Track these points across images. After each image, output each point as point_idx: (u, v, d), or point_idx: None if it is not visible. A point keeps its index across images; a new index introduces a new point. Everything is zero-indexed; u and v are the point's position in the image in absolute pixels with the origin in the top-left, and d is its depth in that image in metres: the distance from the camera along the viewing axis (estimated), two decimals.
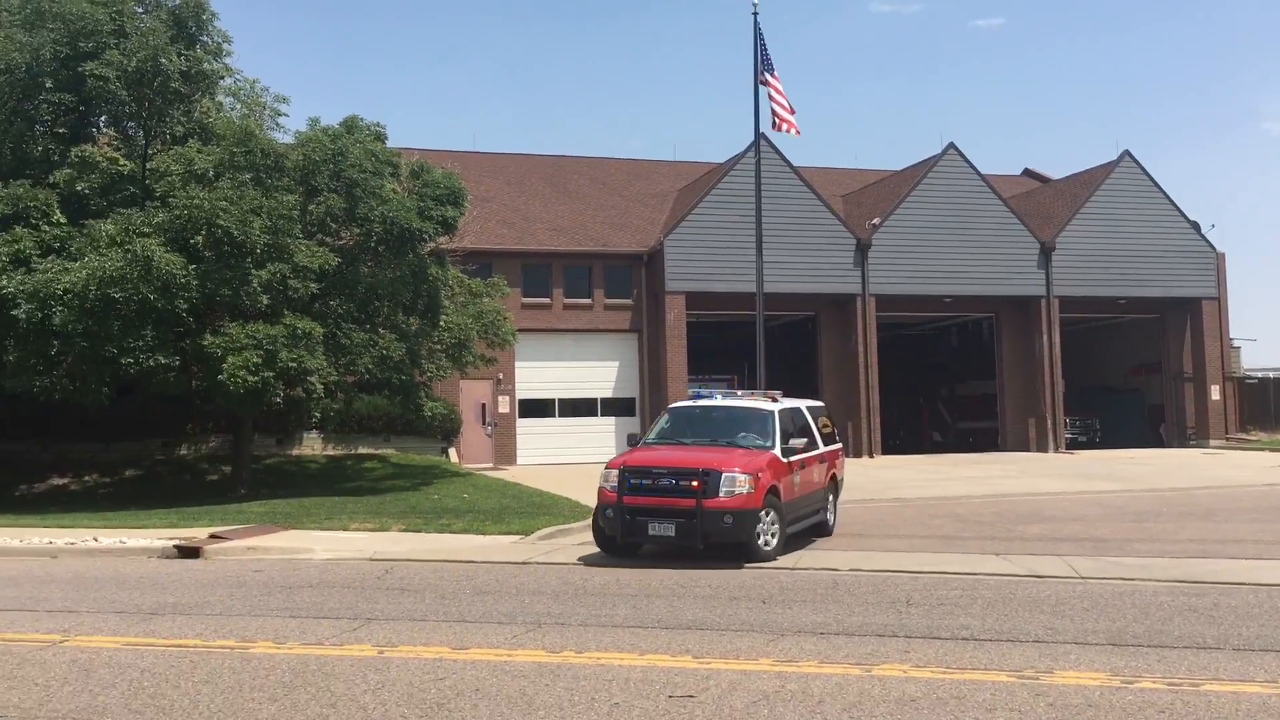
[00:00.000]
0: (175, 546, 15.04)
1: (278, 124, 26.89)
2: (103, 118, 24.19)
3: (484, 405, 34.37)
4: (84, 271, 19.60)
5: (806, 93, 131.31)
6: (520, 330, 30.03)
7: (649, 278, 36.71)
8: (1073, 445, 39.85)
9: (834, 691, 7.20)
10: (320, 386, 21.98)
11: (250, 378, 19.97)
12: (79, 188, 22.47)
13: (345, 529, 17.08)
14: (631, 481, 13.60)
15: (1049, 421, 38.69)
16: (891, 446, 39.77)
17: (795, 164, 37.20)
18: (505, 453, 34.15)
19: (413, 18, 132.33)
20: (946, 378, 48.35)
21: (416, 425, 29.17)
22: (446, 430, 31.11)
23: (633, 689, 7.31)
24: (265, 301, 21.09)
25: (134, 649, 8.56)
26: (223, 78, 25.24)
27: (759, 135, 26.33)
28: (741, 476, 13.48)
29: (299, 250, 21.50)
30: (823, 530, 16.14)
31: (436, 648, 8.59)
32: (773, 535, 13.85)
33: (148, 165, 23.22)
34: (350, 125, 24.19)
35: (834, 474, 16.94)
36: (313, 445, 30.48)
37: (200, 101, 24.47)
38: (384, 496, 22.31)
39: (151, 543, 15.31)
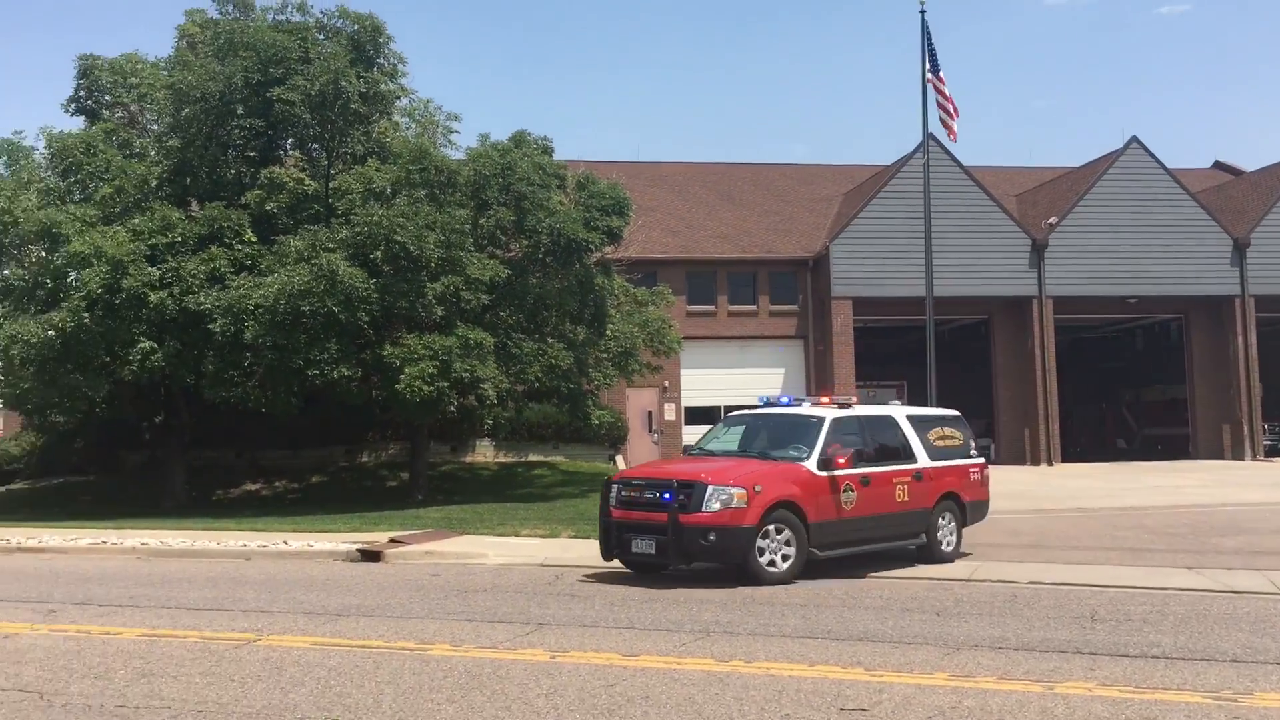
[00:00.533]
0: (358, 550, 15.65)
1: (450, 141, 27.81)
2: (289, 140, 25.43)
3: (650, 413, 34.64)
4: (274, 287, 20.64)
5: (977, 91, 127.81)
6: (685, 338, 30.15)
7: (815, 283, 36.34)
8: (1271, 453, 37.46)
9: (1014, 709, 6.94)
10: (492, 395, 22.55)
11: (426, 387, 20.65)
12: (268, 207, 23.68)
13: (516, 535, 17.45)
14: (621, 494, 13.06)
15: (1245, 427, 36.50)
16: (1072, 454, 38.24)
17: (966, 164, 36.22)
18: None
19: (578, 33, 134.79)
20: (1131, 382, 46.23)
21: (584, 433, 29.58)
22: (613, 438, 31.46)
23: (803, 700, 7.21)
24: (440, 313, 21.78)
25: (321, 649, 8.93)
26: (399, 98, 26.22)
27: (927, 135, 25.80)
28: (733, 490, 12.45)
29: (471, 263, 22.12)
30: (931, 556, 14.34)
31: (607, 654, 8.67)
32: (784, 557, 12.64)
33: (330, 184, 24.32)
34: (518, 140, 24.78)
35: (952, 491, 14.84)
36: (485, 452, 31.28)
37: (378, 122, 25.49)
38: (554, 503, 22.70)
39: (336, 546, 15.98)
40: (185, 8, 26.78)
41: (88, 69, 25.54)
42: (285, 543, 16.43)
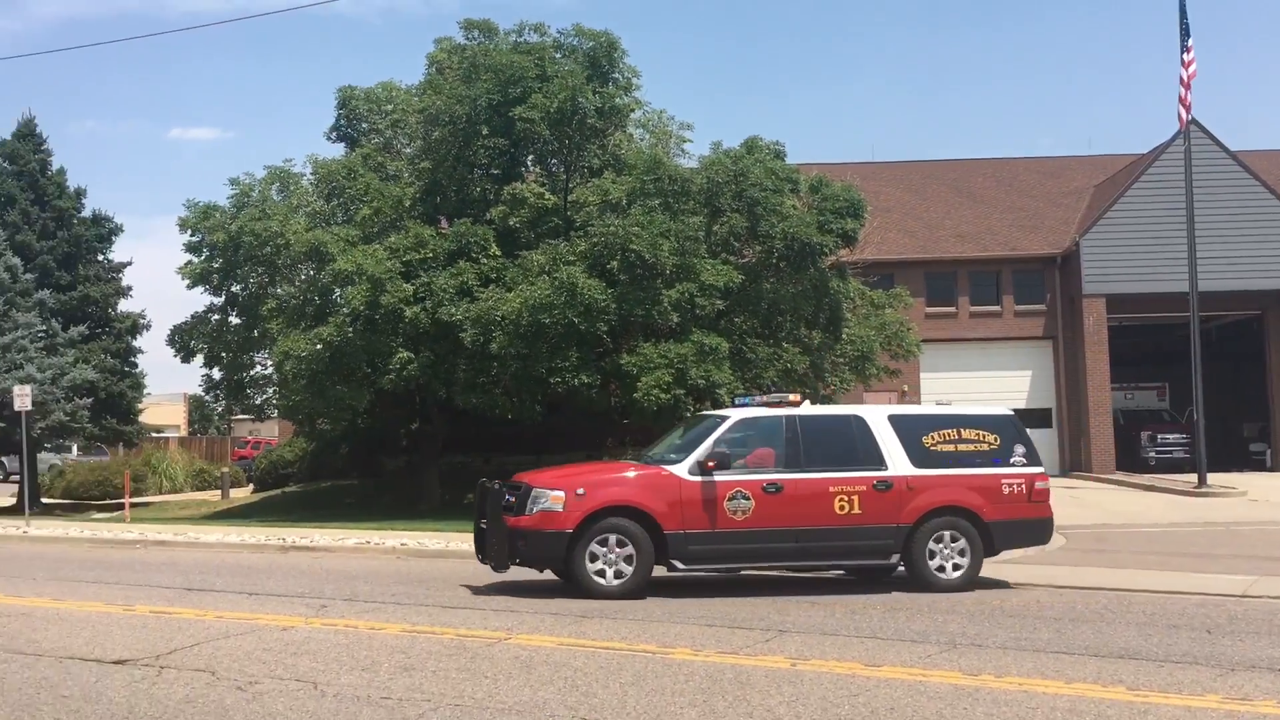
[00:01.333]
0: None
1: (683, 150, 28.12)
2: (530, 157, 26.38)
3: None
4: (518, 300, 21.45)
5: (1239, 72, 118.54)
6: (925, 340, 29.32)
7: (1063, 281, 34.66)
8: None
9: None
10: (728, 400, 22.61)
11: (663, 395, 20.95)
12: (511, 222, 24.64)
13: None
14: (507, 498, 12.43)
15: None
16: None
17: (1231, 148, 33.66)
18: None
19: (809, 37, 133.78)
20: None
21: None
22: None
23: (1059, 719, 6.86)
24: (675, 319, 22.05)
25: (567, 649, 9.18)
26: (633, 110, 26.73)
27: (1189, 120, 24.09)
28: (550, 494, 11.90)
29: (705, 269, 22.30)
30: (920, 582, 12.50)
31: (849, 663, 8.53)
32: (613, 567, 11.78)
33: (569, 198, 25.07)
34: (750, 146, 24.80)
35: (957, 505, 12.64)
36: None
37: (613, 134, 26.09)
38: None
39: None
40: (434, 36, 28.32)
41: (346, 99, 27.33)
42: None
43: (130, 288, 34.93)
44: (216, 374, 27.17)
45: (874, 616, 10.78)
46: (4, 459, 45.26)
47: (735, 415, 13.01)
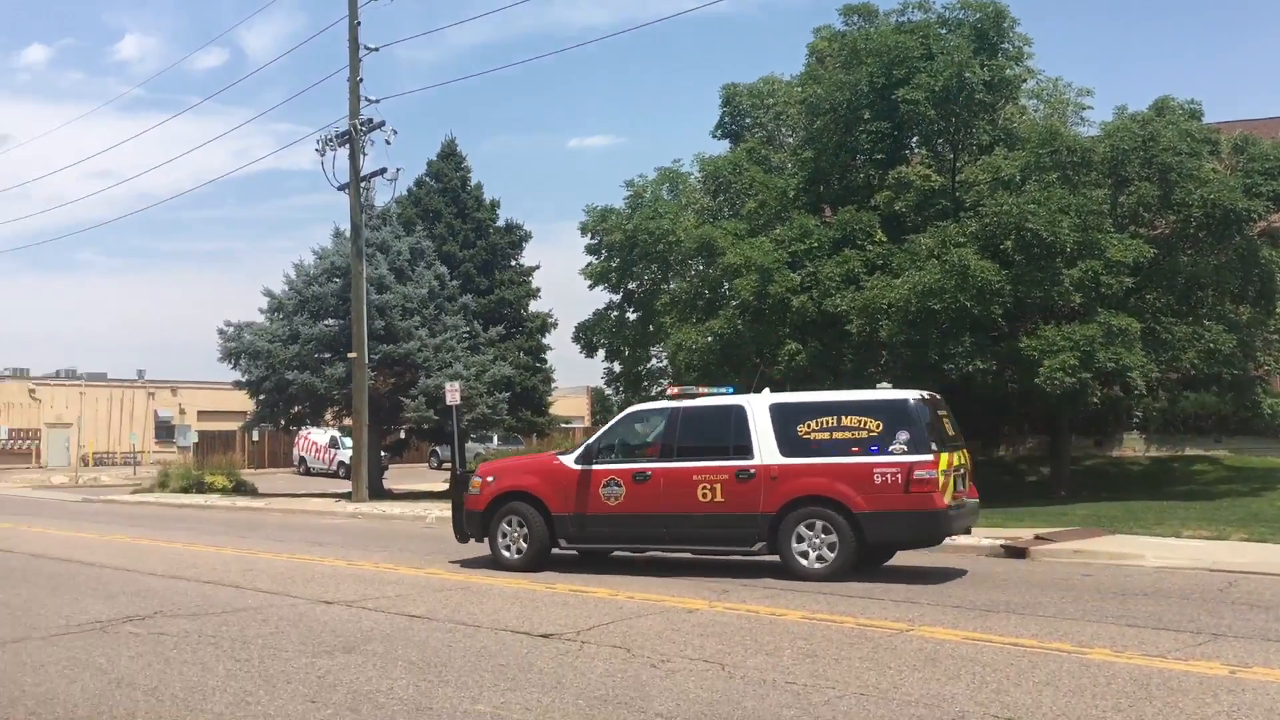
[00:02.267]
0: (1002, 546, 15.37)
1: (1081, 119, 26.48)
2: (914, 139, 25.77)
3: None
4: (905, 286, 21.02)
5: None
6: None
7: None
8: None
9: None
10: (1140, 384, 21.01)
11: (1067, 379, 19.78)
12: (896, 207, 24.19)
13: (1176, 535, 16.06)
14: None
15: None
16: None
17: None
18: None
19: None
20: None
21: (1252, 424, 26.43)
22: None
23: None
24: (1077, 300, 20.75)
25: (972, 643, 8.87)
26: (1024, 81, 25.44)
27: None
28: (475, 479, 14.40)
29: (1110, 245, 20.81)
30: (787, 570, 12.49)
31: None
32: (515, 544, 13.77)
33: (956, 178, 24.25)
34: (1160, 107, 22.88)
35: (822, 496, 12.31)
36: (1133, 446, 29.24)
37: (1003, 108, 24.92)
38: (1218, 502, 20.57)
39: (979, 541, 15.79)
40: (814, 25, 28.36)
41: (730, 97, 28.00)
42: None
43: (539, 289, 37.88)
44: (616, 367, 28.75)
45: None
46: (437, 449, 50.54)
47: (628, 410, 14.74)
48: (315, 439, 50.13)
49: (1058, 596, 11.31)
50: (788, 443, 12.69)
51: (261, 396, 32.50)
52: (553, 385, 37.83)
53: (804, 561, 12.48)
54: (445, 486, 35.00)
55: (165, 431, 67.78)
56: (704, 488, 12.90)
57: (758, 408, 13.07)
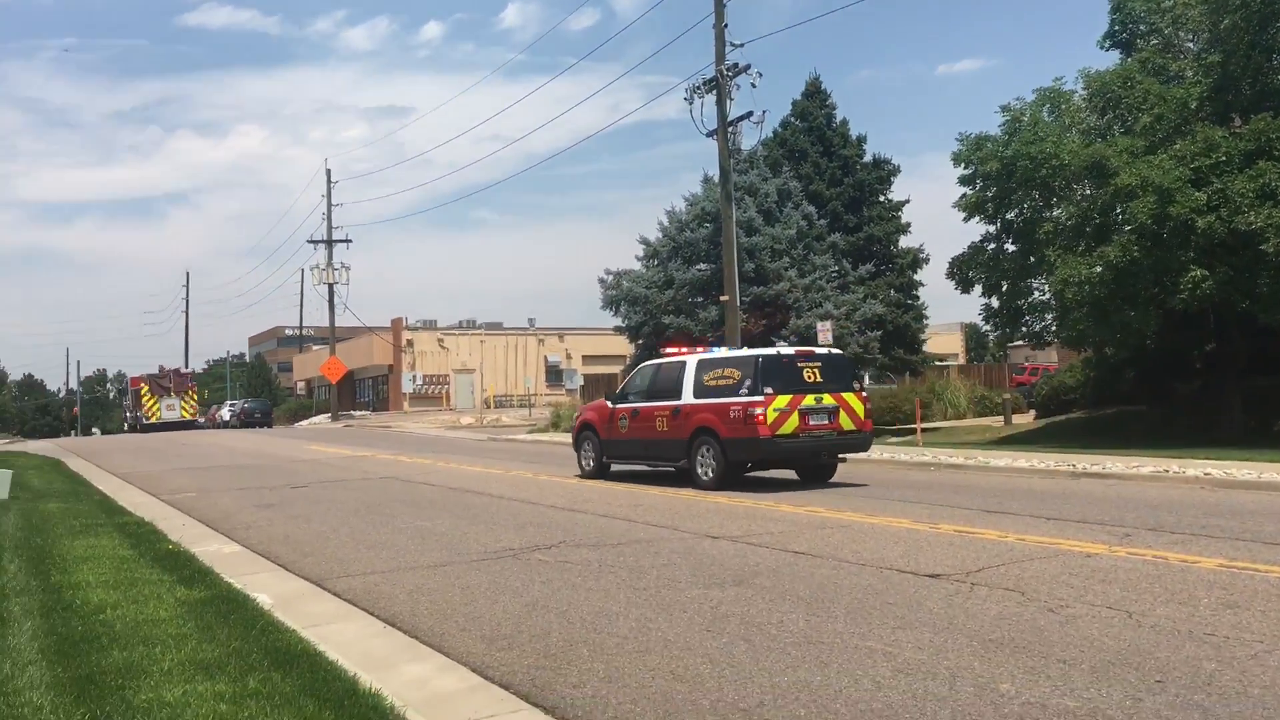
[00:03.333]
0: None
1: None
2: None
3: None
4: None
5: None
6: None
7: None
8: None
9: None
10: None
11: None
12: None
13: None
14: None
15: None
16: None
17: None
18: None
19: None
20: None
21: None
22: None
23: None
24: None
25: None
26: None
27: None
28: (576, 415, 22.82)
29: None
30: (691, 482, 17.09)
31: None
32: (585, 457, 19.78)
33: None
34: None
35: (707, 427, 16.84)
36: None
37: None
38: None
39: None
40: None
41: (1120, 4, 25.70)
42: None
43: (908, 224, 36.80)
44: (994, 302, 27.46)
45: None
46: None
47: (639, 366, 21.14)
48: None
49: None
50: (699, 388, 17.33)
51: (640, 340, 34.03)
52: (925, 322, 36.72)
53: (702, 474, 16.87)
54: None
55: (554, 375, 72.72)
56: (659, 420, 17.93)
57: (690, 363, 17.76)
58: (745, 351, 18.19)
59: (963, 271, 27.44)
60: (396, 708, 5.58)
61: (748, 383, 16.51)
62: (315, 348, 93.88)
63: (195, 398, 66.35)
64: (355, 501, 16.45)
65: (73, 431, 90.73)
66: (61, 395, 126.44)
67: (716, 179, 30.63)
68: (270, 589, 9.15)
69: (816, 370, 16.82)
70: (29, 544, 11.45)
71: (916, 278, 36.11)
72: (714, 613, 7.98)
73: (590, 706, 5.94)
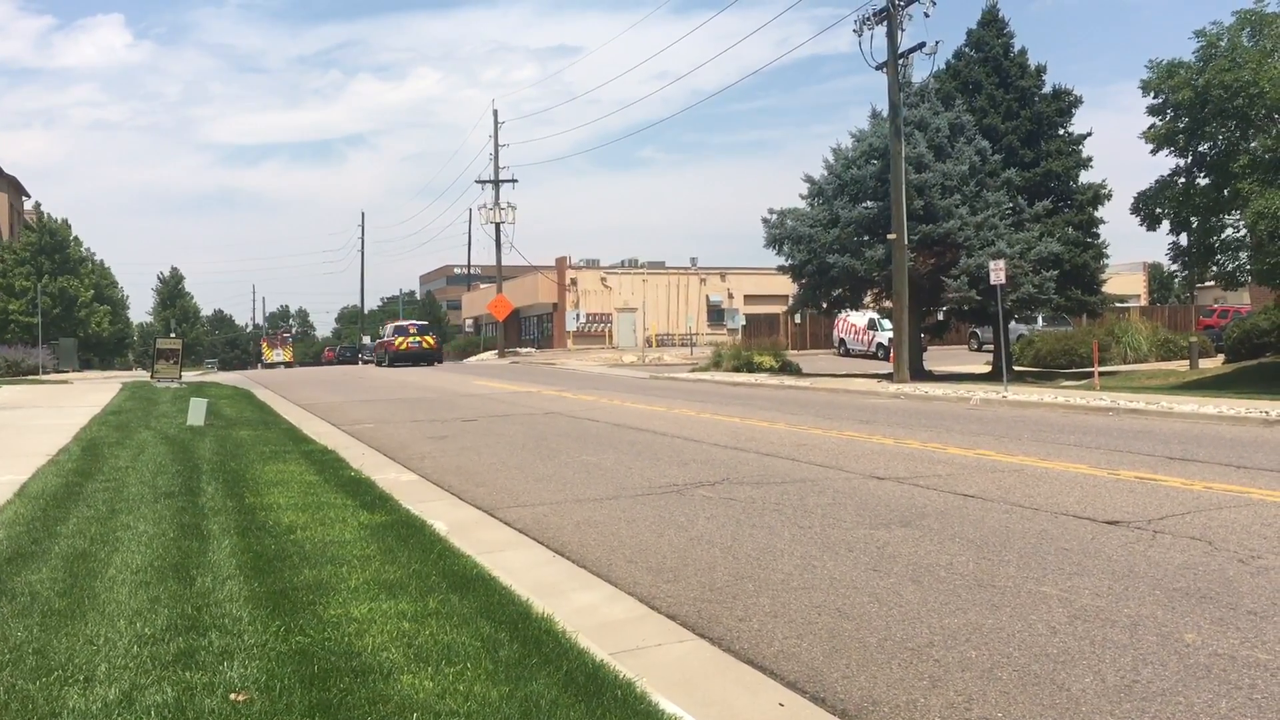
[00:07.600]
0: None
1: None
2: None
3: None
4: None
5: None
6: None
7: None
8: None
9: None
10: None
11: None
12: None
13: None
14: None
15: None
16: None
17: None
18: None
19: None
20: None
21: None
22: None
23: None
24: None
25: None
26: None
27: None
28: None
29: None
30: None
31: None
32: None
33: None
34: None
35: None
36: None
37: None
38: None
39: None
40: None
41: None
42: None
43: (1090, 159, 34.99)
44: (1183, 240, 26.05)
45: None
46: (977, 330, 49.37)
47: None
48: (854, 321, 51.21)
49: None
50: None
51: (803, 280, 33.58)
52: (1105, 262, 35.02)
53: None
54: (987, 369, 34.29)
55: (716, 315, 72.63)
56: None
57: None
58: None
59: (1149, 207, 26.10)
60: (568, 632, 5.73)
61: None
62: (483, 286, 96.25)
63: (291, 349, 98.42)
64: (523, 436, 16.87)
65: (258, 364, 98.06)
66: (249, 330, 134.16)
67: (885, 114, 29.79)
68: (445, 516, 9.49)
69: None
70: (225, 468, 12.16)
71: (1097, 215, 34.40)
72: (880, 553, 7.89)
73: (756, 639, 5.98)
